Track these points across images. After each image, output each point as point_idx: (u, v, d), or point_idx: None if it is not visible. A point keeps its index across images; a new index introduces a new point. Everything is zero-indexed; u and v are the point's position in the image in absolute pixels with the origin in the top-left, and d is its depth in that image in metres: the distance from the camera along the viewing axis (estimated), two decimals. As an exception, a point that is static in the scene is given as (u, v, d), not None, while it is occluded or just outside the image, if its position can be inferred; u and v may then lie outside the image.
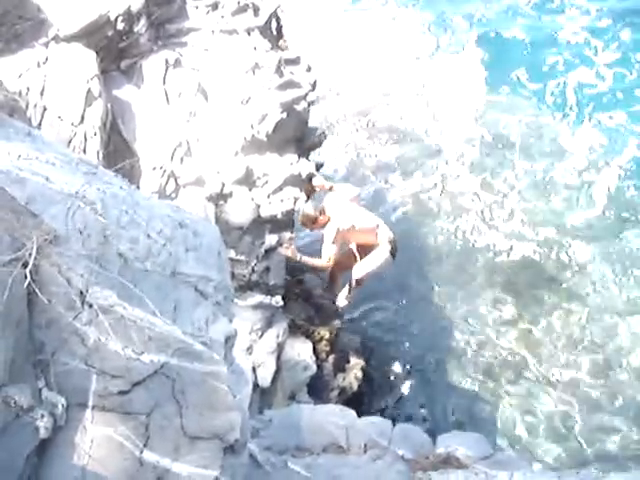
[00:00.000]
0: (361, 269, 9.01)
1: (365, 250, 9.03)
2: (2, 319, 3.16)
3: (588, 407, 9.98)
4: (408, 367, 10.38)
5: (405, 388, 10.12)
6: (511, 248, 12.02)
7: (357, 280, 9.13)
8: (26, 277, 3.19)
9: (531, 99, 15.03)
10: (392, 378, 10.21)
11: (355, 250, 9.10)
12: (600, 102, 14.90)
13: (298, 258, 8.68)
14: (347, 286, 9.32)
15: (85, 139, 8.66)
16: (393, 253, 9.01)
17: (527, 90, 15.23)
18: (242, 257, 8.59)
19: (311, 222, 8.89)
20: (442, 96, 15.06)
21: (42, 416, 3.24)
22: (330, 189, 9.26)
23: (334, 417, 5.63)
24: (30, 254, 3.25)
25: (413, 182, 13.19)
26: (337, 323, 9.48)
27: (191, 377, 3.53)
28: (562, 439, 9.69)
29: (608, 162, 13.48)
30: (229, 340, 4.08)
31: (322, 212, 8.83)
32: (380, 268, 9.10)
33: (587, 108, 14.74)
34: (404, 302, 11.29)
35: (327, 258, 8.65)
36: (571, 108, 14.79)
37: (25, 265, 3.26)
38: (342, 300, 9.36)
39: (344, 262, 9.15)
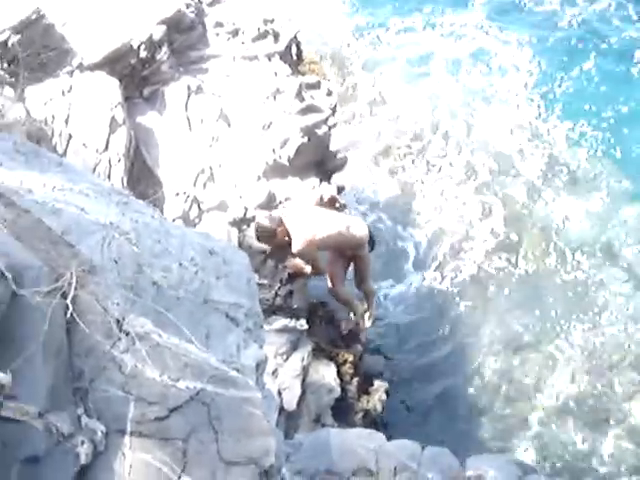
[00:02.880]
0: (362, 278, 9.06)
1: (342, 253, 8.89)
2: (43, 348, 3.24)
3: (617, 434, 9.93)
4: (434, 389, 10.35)
5: (431, 410, 10.10)
6: (538, 270, 12.01)
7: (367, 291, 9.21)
8: (67, 307, 3.27)
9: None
10: (417, 400, 10.19)
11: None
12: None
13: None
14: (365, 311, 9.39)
15: (110, 165, 8.78)
16: (371, 244, 8.85)
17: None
18: (265, 281, 8.64)
19: (270, 236, 8.44)
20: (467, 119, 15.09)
21: (82, 442, 3.31)
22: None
23: (363, 440, 5.67)
24: (69, 284, 3.34)
25: (435, 206, 13.20)
26: (360, 346, 9.49)
27: (226, 403, 3.59)
28: (590, 464, 9.64)
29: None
30: (260, 366, 4.14)
31: (279, 224, 8.37)
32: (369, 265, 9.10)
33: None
34: (429, 324, 11.29)
35: (316, 269, 8.63)
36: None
37: (64, 295, 3.34)
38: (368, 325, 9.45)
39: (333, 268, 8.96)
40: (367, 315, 9.41)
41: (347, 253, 8.85)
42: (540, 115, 14.97)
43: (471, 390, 10.43)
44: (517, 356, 10.80)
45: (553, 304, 11.49)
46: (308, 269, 8.74)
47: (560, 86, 15.57)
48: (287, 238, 8.45)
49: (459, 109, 15.18)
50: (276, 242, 8.51)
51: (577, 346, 10.90)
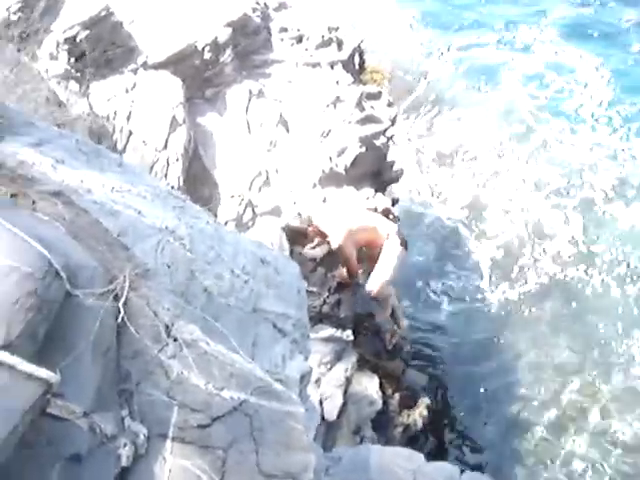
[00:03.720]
0: (378, 276, 8.59)
1: (373, 252, 8.66)
2: (92, 348, 3.26)
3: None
4: (477, 410, 10.24)
5: (471, 431, 9.99)
6: (585, 292, 11.83)
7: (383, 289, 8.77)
8: (119, 310, 3.30)
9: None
10: (458, 419, 10.10)
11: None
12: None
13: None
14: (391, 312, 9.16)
15: (167, 164, 8.88)
16: (404, 244, 8.60)
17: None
18: (314, 289, 8.63)
19: (302, 236, 8.43)
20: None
21: (125, 445, 3.32)
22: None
23: (402, 460, 5.62)
24: (123, 287, 3.37)
25: (502, 219, 13.08)
26: (403, 361, 9.44)
27: (269, 416, 3.59)
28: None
29: None
30: (304, 378, 4.13)
31: (309, 223, 8.36)
32: (395, 263, 8.64)
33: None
34: (473, 341, 11.19)
35: (351, 261, 8.39)
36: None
37: (116, 297, 3.37)
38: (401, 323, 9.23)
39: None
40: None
41: (377, 251, 8.64)
42: (614, 132, 14.80)
43: (516, 414, 10.26)
44: (571, 379, 10.58)
45: (605, 332, 11.26)
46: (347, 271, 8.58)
47: (635, 104, 15.34)
48: (319, 238, 8.38)
49: (531, 123, 15.05)
50: (307, 241, 8.52)
51: (622, 376, 10.67)
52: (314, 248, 8.73)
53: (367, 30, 14.40)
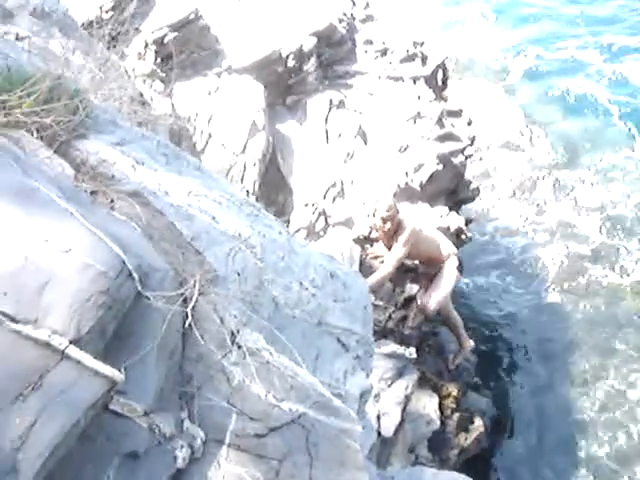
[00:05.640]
0: (437, 294, 8.45)
1: (427, 264, 8.58)
2: (158, 349, 3.31)
3: None
4: (536, 437, 10.03)
5: (530, 460, 9.80)
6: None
7: (444, 302, 8.61)
8: (187, 314, 3.35)
9: None
10: (517, 446, 9.91)
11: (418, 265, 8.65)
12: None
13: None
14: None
15: (244, 169, 8.98)
16: (460, 268, 8.56)
17: None
18: (381, 303, 8.61)
19: (382, 221, 8.14)
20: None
21: (181, 446, 3.36)
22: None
23: (456, 485, 5.58)
24: (192, 291, 3.41)
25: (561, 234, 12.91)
26: (465, 382, 9.34)
27: (326, 431, 3.60)
28: None
29: None
30: (364, 395, 4.13)
31: (393, 218, 8.11)
32: (453, 284, 8.57)
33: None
34: (537, 367, 10.99)
35: (394, 261, 8.09)
36: None
37: (185, 301, 3.41)
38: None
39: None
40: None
41: (430, 267, 8.56)
42: None
43: (576, 443, 10.03)
44: (626, 408, 10.30)
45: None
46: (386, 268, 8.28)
47: None
48: (387, 232, 8.25)
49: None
50: (379, 232, 8.35)
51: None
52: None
53: (452, 47, 14.35)
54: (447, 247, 8.52)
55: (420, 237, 8.24)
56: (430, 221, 8.81)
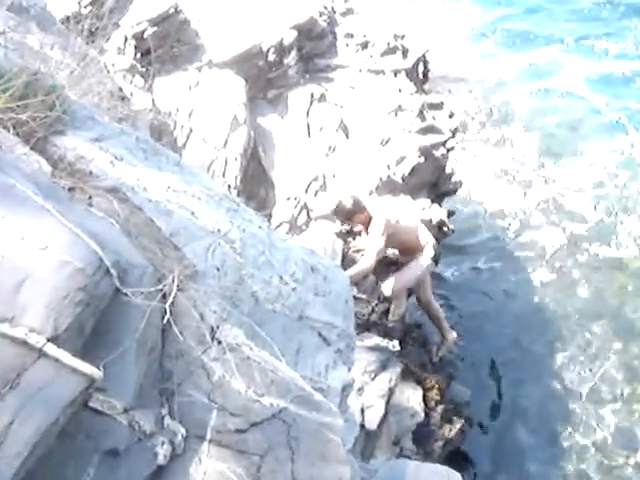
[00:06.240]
0: (395, 281, 8.28)
1: (405, 254, 8.37)
2: (137, 346, 3.30)
3: None
4: (521, 428, 10.06)
5: (515, 451, 9.83)
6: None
7: (399, 290, 8.46)
8: (166, 311, 3.33)
9: None
10: (500, 436, 9.94)
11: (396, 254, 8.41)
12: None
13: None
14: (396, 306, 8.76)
15: (226, 163, 8.95)
16: (436, 259, 8.40)
17: None
18: (364, 296, 8.62)
19: (344, 215, 7.92)
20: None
21: (162, 443, 3.35)
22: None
23: (439, 478, 5.58)
24: (171, 287, 3.40)
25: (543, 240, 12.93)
26: (449, 374, 9.36)
27: (307, 425, 3.59)
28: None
29: None
30: (346, 389, 4.13)
31: (362, 210, 7.86)
32: (424, 273, 8.42)
33: None
34: (523, 356, 11.01)
35: (374, 254, 7.76)
36: None
37: (164, 296, 3.40)
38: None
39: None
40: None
41: (407, 254, 8.35)
42: None
43: (560, 433, 10.08)
44: (608, 409, 10.34)
45: None
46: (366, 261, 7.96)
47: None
48: (362, 225, 8.08)
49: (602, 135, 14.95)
50: (348, 222, 8.13)
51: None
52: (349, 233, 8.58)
53: (433, 39, 14.33)
54: (425, 236, 8.37)
55: (398, 227, 8.05)
56: (410, 210, 8.68)
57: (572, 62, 17.20)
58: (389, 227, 7.87)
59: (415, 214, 8.60)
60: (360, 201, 7.93)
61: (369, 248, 7.96)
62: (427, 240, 8.37)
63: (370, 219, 7.92)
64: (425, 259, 8.36)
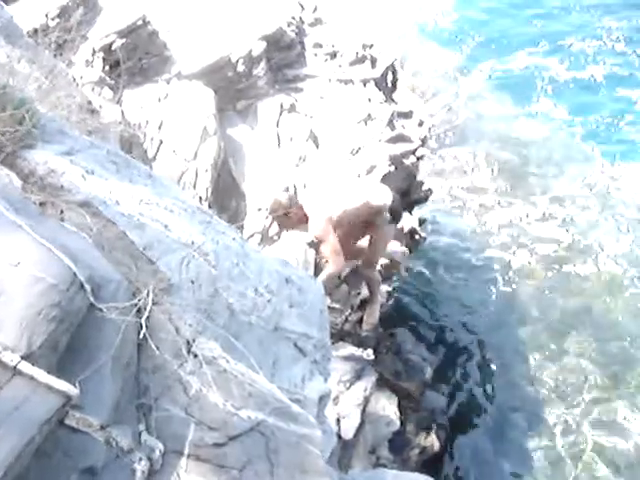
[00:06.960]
0: (371, 259, 8.12)
1: (368, 230, 8.03)
2: (113, 361, 3.27)
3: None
4: (496, 433, 10.11)
5: (491, 457, 9.87)
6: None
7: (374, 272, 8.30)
8: (141, 326, 3.30)
9: None
10: (477, 443, 9.98)
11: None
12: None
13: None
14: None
15: (196, 175, 8.91)
16: (395, 219, 8.04)
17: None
18: (337, 305, 8.62)
19: (284, 216, 7.64)
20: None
21: (140, 459, 3.32)
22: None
23: (417, 486, 5.58)
24: (146, 301, 3.37)
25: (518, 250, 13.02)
26: (423, 382, 9.36)
27: (285, 438, 3.58)
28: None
29: None
30: (323, 399, 4.12)
31: (298, 207, 7.60)
32: (390, 237, 8.20)
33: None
34: (495, 363, 11.07)
35: (334, 254, 7.56)
36: None
37: (139, 311, 3.37)
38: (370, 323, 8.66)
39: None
40: (368, 312, 8.66)
41: (360, 226, 8.01)
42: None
43: (535, 438, 10.13)
44: (585, 400, 10.43)
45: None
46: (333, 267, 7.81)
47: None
48: (299, 221, 7.75)
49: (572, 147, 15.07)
50: (286, 222, 7.84)
51: None
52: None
53: (402, 48, 14.41)
54: (375, 203, 7.78)
55: (344, 216, 7.68)
56: (353, 189, 8.11)
57: (544, 67, 17.31)
58: (333, 222, 7.57)
59: (359, 189, 8.13)
60: (294, 197, 7.76)
61: (327, 252, 7.76)
62: (380, 203, 7.86)
63: (306, 215, 7.63)
64: (385, 223, 7.96)
